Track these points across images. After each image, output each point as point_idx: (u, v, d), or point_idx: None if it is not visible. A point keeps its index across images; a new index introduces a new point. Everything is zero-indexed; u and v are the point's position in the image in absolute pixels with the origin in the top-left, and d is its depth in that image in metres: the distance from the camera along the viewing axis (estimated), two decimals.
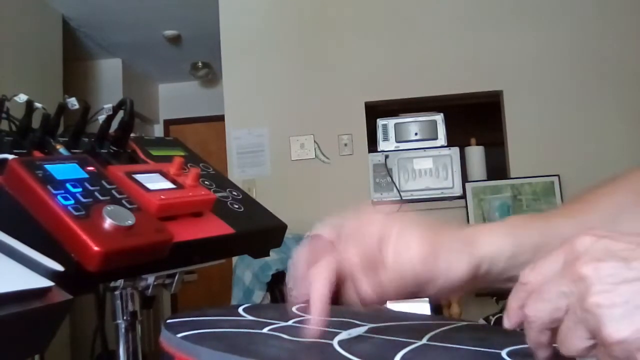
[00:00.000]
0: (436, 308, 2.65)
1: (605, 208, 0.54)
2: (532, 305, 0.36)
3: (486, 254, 0.48)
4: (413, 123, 3.18)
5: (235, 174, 3.22)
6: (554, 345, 0.36)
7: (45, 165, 0.67)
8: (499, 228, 0.50)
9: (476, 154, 3.21)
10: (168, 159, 0.86)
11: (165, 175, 0.80)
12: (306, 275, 0.48)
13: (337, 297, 0.49)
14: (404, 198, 3.05)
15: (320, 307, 0.46)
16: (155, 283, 0.75)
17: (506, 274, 0.49)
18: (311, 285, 0.47)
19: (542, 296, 0.35)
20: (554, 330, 0.35)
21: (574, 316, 0.33)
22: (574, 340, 0.34)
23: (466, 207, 3.03)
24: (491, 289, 0.51)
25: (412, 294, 0.48)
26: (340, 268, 0.48)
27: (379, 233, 0.48)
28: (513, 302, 0.38)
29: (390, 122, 3.19)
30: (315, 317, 0.45)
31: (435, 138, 3.15)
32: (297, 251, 0.51)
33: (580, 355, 0.34)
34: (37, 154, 0.75)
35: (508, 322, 0.39)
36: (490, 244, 0.48)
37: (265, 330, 0.46)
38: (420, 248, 0.46)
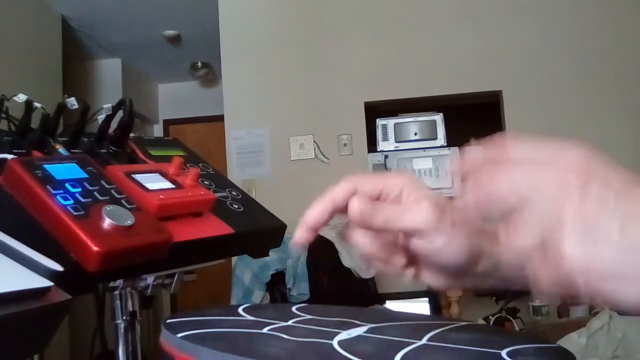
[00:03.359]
0: (436, 308, 2.65)
1: None
2: (497, 175, 0.33)
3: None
4: (412, 123, 3.18)
5: (235, 174, 3.22)
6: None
7: (45, 165, 0.67)
8: None
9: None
10: (167, 159, 0.86)
11: (164, 175, 0.80)
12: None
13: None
14: None
15: (315, 214, 0.46)
16: (154, 283, 0.75)
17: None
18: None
19: (513, 172, 0.33)
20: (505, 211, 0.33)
21: (537, 212, 0.31)
22: (523, 234, 0.32)
23: None
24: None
25: (396, 258, 0.46)
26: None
27: (396, 191, 0.46)
28: (473, 153, 0.35)
29: (390, 122, 3.19)
30: (309, 220, 0.46)
31: (435, 138, 3.15)
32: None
33: (516, 252, 0.32)
34: (36, 153, 0.75)
35: (452, 166, 0.36)
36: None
37: (265, 330, 0.46)
38: (430, 210, 0.44)
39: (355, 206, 0.44)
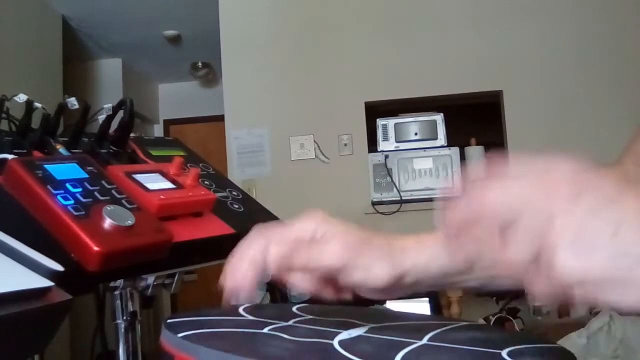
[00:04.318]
0: (436, 308, 2.65)
1: None
2: (494, 193, 0.33)
3: (412, 267, 0.49)
4: (413, 123, 3.18)
5: (235, 174, 3.22)
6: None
7: (45, 165, 0.67)
8: (433, 239, 0.50)
9: (476, 154, 3.21)
10: (168, 159, 0.86)
11: (165, 175, 0.80)
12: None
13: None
14: (403, 198, 3.05)
15: (245, 287, 0.49)
16: (155, 283, 0.75)
17: (440, 282, 0.50)
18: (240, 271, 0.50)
19: (509, 189, 0.33)
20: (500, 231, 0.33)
21: (529, 226, 0.32)
22: (517, 248, 0.32)
23: None
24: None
25: (328, 290, 0.50)
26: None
27: (308, 235, 0.49)
28: (454, 214, 0.35)
29: (390, 122, 3.19)
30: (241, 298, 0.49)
31: (435, 138, 3.15)
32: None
33: (512, 266, 0.33)
34: (37, 154, 0.75)
35: (444, 232, 0.37)
36: (418, 257, 0.49)
37: (265, 330, 0.46)
38: (339, 249, 0.47)
39: (274, 254, 0.48)
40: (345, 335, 0.45)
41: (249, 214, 0.88)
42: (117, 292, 0.76)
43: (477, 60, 3.22)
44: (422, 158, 3.12)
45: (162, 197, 0.73)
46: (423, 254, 0.50)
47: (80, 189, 0.66)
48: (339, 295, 0.51)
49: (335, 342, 0.42)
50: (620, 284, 0.30)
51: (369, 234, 0.50)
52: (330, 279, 0.49)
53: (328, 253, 0.47)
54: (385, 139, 3.19)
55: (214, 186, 0.89)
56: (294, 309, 0.55)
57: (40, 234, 0.61)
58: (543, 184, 0.32)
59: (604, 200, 0.31)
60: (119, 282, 0.73)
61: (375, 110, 3.33)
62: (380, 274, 0.48)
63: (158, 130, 5.77)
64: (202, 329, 0.45)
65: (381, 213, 3.08)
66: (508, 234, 0.33)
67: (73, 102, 0.81)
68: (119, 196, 0.69)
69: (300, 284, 0.49)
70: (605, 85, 3.14)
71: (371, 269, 0.47)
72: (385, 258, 0.48)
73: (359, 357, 0.39)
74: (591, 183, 0.32)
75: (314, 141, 3.25)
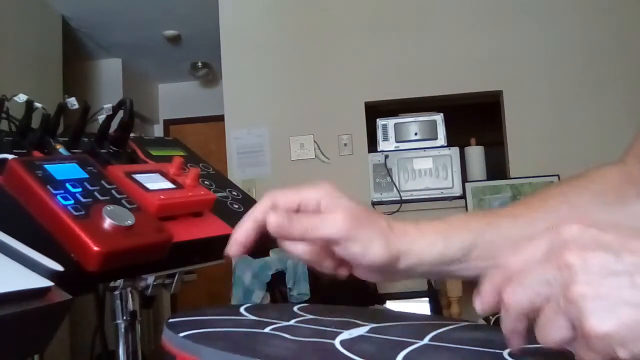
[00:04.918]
0: (436, 308, 2.65)
1: (556, 207, 0.54)
2: (511, 290, 0.35)
3: (409, 250, 0.50)
4: (413, 123, 3.18)
5: (235, 174, 3.22)
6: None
7: (45, 165, 0.67)
8: (431, 227, 0.52)
9: (476, 154, 3.21)
10: (168, 159, 0.86)
11: (165, 175, 0.80)
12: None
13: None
14: (403, 198, 3.05)
15: (240, 231, 0.49)
16: (155, 283, 0.75)
17: (435, 269, 0.51)
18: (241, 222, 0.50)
19: (523, 281, 0.34)
20: (530, 317, 0.35)
21: (556, 305, 0.32)
22: (554, 330, 0.33)
23: (466, 207, 3.03)
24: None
25: (327, 262, 0.50)
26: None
27: (314, 204, 0.50)
28: (488, 285, 0.37)
29: (390, 122, 3.19)
30: (236, 237, 0.49)
31: (435, 138, 3.15)
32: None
33: (558, 346, 0.33)
34: (37, 154, 0.75)
35: (481, 305, 0.37)
36: (415, 242, 0.50)
37: (267, 329, 0.46)
38: (343, 220, 0.48)
39: (272, 220, 0.48)
40: (346, 335, 0.45)
41: None
42: (117, 292, 0.76)
43: (477, 60, 3.22)
44: (422, 158, 3.12)
45: (162, 197, 0.73)
46: (421, 239, 0.50)
47: (80, 189, 0.66)
48: (337, 269, 0.51)
49: (337, 342, 0.42)
50: None
51: (373, 212, 0.51)
52: (329, 250, 0.49)
53: (329, 223, 0.48)
54: (385, 139, 3.18)
55: (214, 186, 0.89)
56: (295, 308, 0.55)
57: (40, 234, 0.61)
58: (552, 260, 0.33)
59: (612, 254, 0.32)
60: (119, 282, 0.73)
61: (375, 110, 3.33)
62: (377, 251, 0.48)
63: (158, 130, 5.77)
64: (203, 328, 0.45)
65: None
66: (541, 318, 0.34)
67: (73, 102, 0.81)
68: (119, 196, 0.69)
69: (296, 251, 0.49)
70: (605, 84, 3.14)
71: (369, 244, 0.48)
72: (383, 237, 0.49)
73: (360, 356, 0.39)
74: (595, 241, 0.33)
75: (314, 141, 3.25)
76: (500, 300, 0.36)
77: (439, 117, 3.17)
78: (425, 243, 0.50)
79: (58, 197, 0.63)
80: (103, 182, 0.70)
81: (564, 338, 0.32)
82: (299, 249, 0.49)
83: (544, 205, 0.55)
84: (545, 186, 2.63)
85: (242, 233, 0.50)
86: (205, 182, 0.88)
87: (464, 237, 0.51)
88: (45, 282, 0.49)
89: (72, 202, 0.63)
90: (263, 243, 0.51)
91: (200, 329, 0.45)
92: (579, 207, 0.54)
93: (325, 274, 0.51)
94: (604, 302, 0.30)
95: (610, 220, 0.34)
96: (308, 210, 0.50)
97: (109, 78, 4.88)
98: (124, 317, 0.77)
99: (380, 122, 3.20)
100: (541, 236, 0.35)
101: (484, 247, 0.51)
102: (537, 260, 0.34)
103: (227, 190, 0.91)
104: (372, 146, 3.23)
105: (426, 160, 3.11)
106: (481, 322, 2.35)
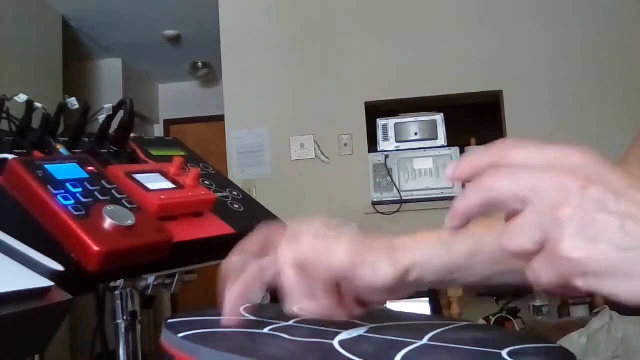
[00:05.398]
0: (436, 308, 2.65)
1: None
2: (497, 176, 0.34)
3: (414, 263, 0.50)
4: (413, 123, 3.18)
5: (235, 174, 3.22)
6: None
7: (46, 165, 0.67)
8: (431, 237, 0.51)
9: None
10: (168, 159, 0.86)
11: (165, 175, 0.80)
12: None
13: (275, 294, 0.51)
14: (404, 198, 3.05)
15: (230, 306, 0.48)
16: (155, 283, 0.75)
17: (441, 277, 0.51)
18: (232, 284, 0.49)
19: (515, 174, 0.33)
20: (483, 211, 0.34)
21: (536, 214, 0.32)
22: (522, 236, 0.32)
23: None
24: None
25: (339, 294, 0.50)
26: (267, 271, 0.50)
27: (313, 237, 0.50)
28: (473, 157, 0.35)
29: (390, 122, 3.19)
30: (226, 314, 0.48)
31: (435, 138, 3.15)
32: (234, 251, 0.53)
33: (516, 254, 0.33)
34: (37, 154, 0.75)
35: (452, 171, 0.36)
36: (420, 253, 0.50)
37: (266, 330, 0.46)
38: (348, 249, 0.48)
39: (288, 283, 0.48)
40: (345, 335, 0.45)
41: (249, 214, 0.88)
42: (117, 292, 0.76)
43: (477, 60, 3.22)
44: (422, 158, 3.12)
45: (162, 197, 0.73)
46: (423, 250, 0.50)
47: (80, 189, 0.66)
48: (349, 310, 0.51)
49: (336, 342, 0.42)
50: (623, 276, 0.30)
51: (369, 235, 0.51)
52: (337, 290, 0.49)
53: (337, 253, 0.48)
54: (386, 139, 3.19)
55: (214, 186, 0.89)
56: (295, 308, 0.55)
57: (40, 234, 0.61)
58: (552, 173, 0.33)
59: (612, 194, 0.32)
60: (119, 282, 0.73)
61: (375, 110, 3.33)
62: (386, 271, 0.48)
63: (158, 130, 5.77)
64: (202, 329, 0.45)
65: (381, 213, 3.08)
66: (514, 221, 0.33)
67: (73, 102, 0.81)
68: (119, 196, 0.69)
69: (310, 309, 0.49)
70: (605, 85, 3.14)
71: (376, 266, 0.48)
72: (388, 256, 0.49)
73: (359, 357, 0.39)
74: (600, 176, 0.32)
75: (314, 141, 3.25)
76: (476, 177, 0.34)
77: (439, 117, 3.17)
78: (429, 252, 0.50)
79: (58, 197, 0.63)
80: (103, 182, 0.70)
81: (526, 247, 0.32)
82: (313, 307, 0.49)
83: None
84: None
85: (238, 297, 0.49)
86: (206, 182, 0.88)
87: (467, 243, 0.51)
88: (46, 282, 0.49)
89: (72, 202, 0.63)
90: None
91: (199, 329, 0.45)
92: None
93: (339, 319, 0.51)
94: (587, 231, 0.31)
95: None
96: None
97: (109, 78, 4.88)
98: (124, 317, 0.77)
99: (380, 122, 3.20)
100: (552, 149, 0.34)
101: (488, 252, 0.51)
102: (538, 164, 0.33)
103: (227, 190, 0.91)
104: (372, 146, 3.23)
105: (426, 160, 3.12)
106: (481, 322, 2.35)
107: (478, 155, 0.36)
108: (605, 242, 0.30)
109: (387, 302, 0.58)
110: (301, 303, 0.49)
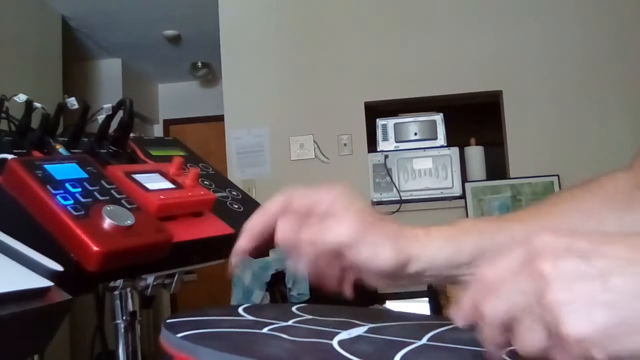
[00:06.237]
0: (436, 308, 2.65)
1: (565, 212, 0.54)
2: (488, 303, 0.35)
3: (418, 255, 0.50)
4: (413, 123, 3.18)
5: (235, 174, 3.22)
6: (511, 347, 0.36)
7: (45, 165, 0.67)
8: (440, 232, 0.52)
9: (476, 154, 3.21)
10: (167, 159, 0.86)
11: (164, 175, 0.80)
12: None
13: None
14: (403, 198, 3.05)
15: (248, 234, 0.51)
16: (154, 283, 0.75)
17: (444, 274, 0.51)
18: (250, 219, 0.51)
19: (499, 293, 0.35)
20: (508, 328, 0.35)
21: (532, 314, 0.33)
22: (532, 338, 0.33)
23: (465, 207, 3.03)
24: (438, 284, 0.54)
25: (335, 270, 0.50)
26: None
27: (326, 205, 0.50)
28: (467, 298, 0.37)
29: (390, 122, 3.19)
30: (241, 242, 0.50)
31: (435, 138, 3.15)
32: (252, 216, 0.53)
33: (538, 355, 0.33)
34: (36, 153, 0.75)
35: (460, 319, 0.38)
36: (425, 246, 0.50)
37: (265, 330, 0.46)
38: (352, 225, 0.48)
39: (281, 227, 0.49)
40: (344, 335, 0.45)
41: (248, 214, 0.87)
42: (116, 292, 0.76)
43: (477, 60, 3.22)
44: (422, 158, 3.12)
45: (161, 197, 0.73)
46: (431, 244, 0.51)
47: (79, 189, 0.66)
48: (343, 279, 0.51)
49: (335, 342, 0.43)
50: (633, 332, 0.30)
51: (383, 217, 0.51)
52: (336, 259, 0.49)
53: (336, 230, 0.48)
54: (385, 139, 3.19)
55: (213, 186, 0.89)
56: (294, 309, 0.55)
57: (40, 234, 0.61)
58: (524, 269, 0.34)
59: (583, 259, 0.32)
60: (119, 282, 0.73)
61: (375, 110, 3.33)
62: (387, 255, 0.48)
63: (158, 130, 5.77)
64: (201, 329, 0.45)
65: None
66: (518, 329, 0.34)
67: (73, 102, 0.81)
68: (118, 196, 0.69)
69: (304, 254, 0.49)
70: (605, 85, 3.14)
71: (378, 248, 0.48)
72: (393, 241, 0.49)
73: (358, 357, 0.39)
74: (567, 245, 0.33)
75: (314, 141, 3.25)
76: (478, 313, 0.36)
77: (438, 117, 3.17)
78: (435, 247, 0.51)
79: (58, 197, 0.63)
80: (103, 182, 0.70)
81: (541, 345, 0.33)
82: (306, 258, 0.49)
83: (554, 210, 0.55)
84: (545, 186, 2.61)
85: (254, 225, 0.51)
86: (205, 182, 0.88)
87: (476, 241, 0.51)
88: (45, 282, 0.49)
89: (71, 202, 0.63)
90: (268, 243, 0.51)
91: (198, 329, 0.45)
92: (588, 213, 0.54)
93: (329, 290, 0.51)
94: (578, 306, 0.31)
95: (618, 227, 0.34)
96: (319, 212, 0.50)
97: (109, 78, 4.88)
98: (124, 317, 0.77)
99: (380, 122, 3.20)
100: (516, 248, 0.35)
101: (496, 251, 0.51)
102: (511, 271, 0.35)
103: (227, 190, 0.91)
104: (372, 146, 3.22)
105: (426, 160, 3.12)
106: None
107: (466, 297, 0.37)
108: (598, 308, 0.30)
109: (386, 303, 0.58)
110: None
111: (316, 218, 0.49)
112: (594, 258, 0.32)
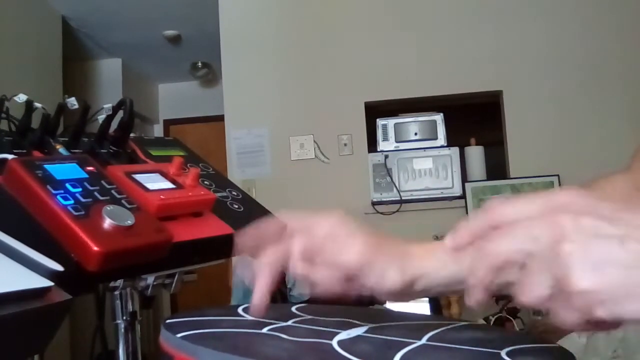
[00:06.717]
0: (436, 308, 2.65)
1: None
2: (496, 240, 0.34)
3: (423, 274, 0.51)
4: (413, 123, 3.18)
5: (235, 174, 3.22)
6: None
7: (45, 165, 0.67)
8: (444, 248, 0.52)
9: (476, 153, 3.21)
10: (168, 159, 0.86)
11: (164, 175, 0.80)
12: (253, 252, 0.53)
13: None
14: (403, 198, 3.05)
15: (261, 294, 0.50)
16: (154, 283, 0.75)
17: (450, 288, 0.52)
18: (257, 273, 0.51)
19: (512, 233, 0.34)
20: (506, 271, 0.34)
21: (541, 261, 0.32)
22: (535, 286, 0.33)
23: (466, 207, 3.03)
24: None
25: (342, 293, 0.51)
26: (285, 257, 0.51)
27: (328, 230, 0.51)
28: (469, 225, 0.37)
29: (390, 122, 3.19)
30: (257, 302, 0.50)
31: (435, 138, 3.15)
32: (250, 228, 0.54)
33: (536, 304, 0.33)
34: (36, 153, 0.75)
35: (453, 242, 0.37)
36: (430, 265, 0.52)
37: (264, 330, 0.46)
38: (361, 250, 0.50)
39: (297, 269, 0.50)
40: (344, 335, 0.45)
41: (248, 214, 0.87)
42: (116, 292, 0.76)
43: (477, 60, 3.22)
44: (422, 158, 3.12)
45: (162, 197, 0.73)
46: (432, 261, 0.52)
47: (80, 189, 0.66)
48: (361, 292, 0.52)
49: (334, 342, 0.43)
50: (638, 297, 0.30)
51: (383, 238, 0.52)
52: (346, 281, 0.51)
53: (349, 253, 0.50)
54: (385, 139, 3.19)
55: (213, 186, 0.89)
56: (293, 309, 0.55)
57: (40, 234, 0.61)
58: (544, 218, 0.33)
59: (604, 220, 0.32)
60: (119, 282, 0.73)
61: (375, 110, 3.33)
62: (394, 278, 0.50)
63: (158, 130, 5.77)
64: (201, 329, 0.45)
65: (381, 213, 3.08)
66: (525, 274, 0.33)
67: (73, 102, 0.81)
68: (118, 196, 0.69)
69: (324, 280, 0.50)
70: (605, 85, 3.14)
71: (385, 273, 0.50)
72: (398, 264, 0.51)
73: (357, 357, 0.39)
74: (589, 207, 0.33)
75: (314, 141, 3.25)
76: (477, 245, 0.35)
77: (438, 117, 3.17)
78: (439, 265, 0.52)
79: (58, 197, 0.63)
80: (103, 182, 0.70)
81: (543, 295, 0.33)
82: (326, 279, 0.50)
83: None
84: (545, 186, 2.62)
85: (260, 297, 0.51)
86: (205, 182, 0.88)
87: None
88: (45, 282, 0.49)
89: (72, 202, 0.63)
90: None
91: (198, 329, 0.45)
92: None
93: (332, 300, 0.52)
94: (591, 261, 0.31)
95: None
96: (319, 239, 0.51)
97: (109, 78, 4.88)
98: (124, 317, 0.77)
99: (380, 122, 3.20)
100: (537, 195, 0.35)
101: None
102: (530, 216, 0.34)
103: (227, 190, 0.91)
104: (372, 146, 3.23)
105: (426, 160, 3.12)
106: (481, 322, 2.35)
107: (472, 221, 0.37)
108: (611, 265, 0.30)
109: (387, 302, 0.59)
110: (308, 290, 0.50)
111: (321, 245, 0.50)
112: (615, 222, 0.32)
